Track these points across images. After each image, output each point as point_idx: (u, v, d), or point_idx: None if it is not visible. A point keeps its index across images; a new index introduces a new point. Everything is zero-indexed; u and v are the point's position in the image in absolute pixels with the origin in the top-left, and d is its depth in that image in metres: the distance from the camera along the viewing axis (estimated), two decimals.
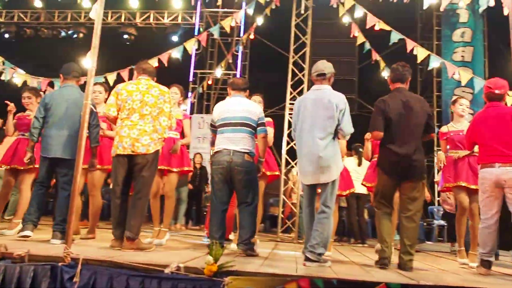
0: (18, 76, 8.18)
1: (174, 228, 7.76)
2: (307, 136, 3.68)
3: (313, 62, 4.06)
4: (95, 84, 4.99)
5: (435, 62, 7.73)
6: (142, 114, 3.84)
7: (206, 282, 2.76)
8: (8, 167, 4.94)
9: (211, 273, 2.78)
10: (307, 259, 3.50)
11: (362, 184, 5.50)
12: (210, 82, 11.10)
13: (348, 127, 3.69)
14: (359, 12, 7.61)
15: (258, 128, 4.14)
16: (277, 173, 4.91)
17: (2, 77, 8.43)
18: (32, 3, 12.09)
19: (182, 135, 4.93)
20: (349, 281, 2.78)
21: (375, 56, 8.53)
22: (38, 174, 4.24)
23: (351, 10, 7.86)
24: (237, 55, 11.57)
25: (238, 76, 11.42)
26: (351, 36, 8.26)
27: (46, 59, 10.74)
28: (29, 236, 3.95)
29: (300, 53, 7.54)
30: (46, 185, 4.18)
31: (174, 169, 4.76)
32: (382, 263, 3.62)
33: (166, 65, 7.59)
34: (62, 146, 4.04)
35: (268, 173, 4.81)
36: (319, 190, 3.74)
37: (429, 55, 7.62)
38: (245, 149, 4.00)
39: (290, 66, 7.40)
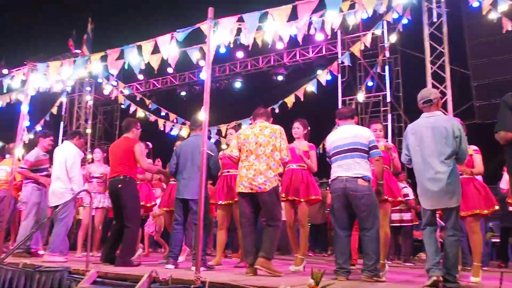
0: (185, 129, 9.62)
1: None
2: (430, 163, 3.71)
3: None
4: (228, 128, 5.75)
5: None
6: (257, 154, 4.28)
7: None
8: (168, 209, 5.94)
9: None
10: (446, 281, 3.55)
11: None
12: (353, 106, 11.00)
13: (464, 155, 3.78)
14: (504, 5, 6.78)
15: (371, 152, 4.17)
16: (399, 199, 4.72)
17: (173, 132, 10.02)
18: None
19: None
20: None
21: None
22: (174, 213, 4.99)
23: (494, 4, 7.06)
24: (384, 75, 11.28)
25: (388, 96, 11.16)
26: (503, 31, 7.38)
27: (213, 109, 12.36)
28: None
29: (438, 63, 7.09)
30: (181, 223, 4.87)
31: (302, 199, 4.98)
32: None
33: (302, 99, 7.94)
34: (188, 188, 4.72)
35: (390, 199, 4.68)
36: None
37: None
38: (358, 173, 4.03)
39: (429, 79, 6.99)
